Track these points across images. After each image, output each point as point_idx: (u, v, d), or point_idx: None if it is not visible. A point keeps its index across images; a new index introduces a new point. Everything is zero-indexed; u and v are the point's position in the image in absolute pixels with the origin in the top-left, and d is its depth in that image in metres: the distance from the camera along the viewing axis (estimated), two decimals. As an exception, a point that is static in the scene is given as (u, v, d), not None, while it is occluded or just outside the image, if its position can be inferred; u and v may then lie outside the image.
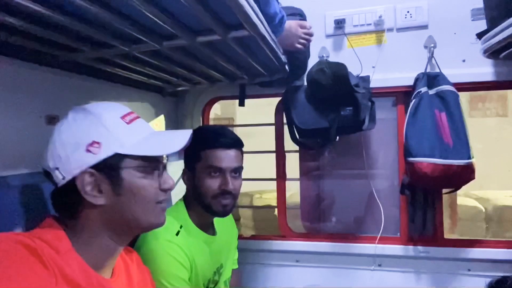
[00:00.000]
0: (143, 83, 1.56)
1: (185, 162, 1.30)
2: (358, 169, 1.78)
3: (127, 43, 1.02)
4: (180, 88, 1.74)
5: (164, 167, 0.84)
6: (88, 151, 0.73)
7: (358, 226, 1.84)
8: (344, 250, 1.74)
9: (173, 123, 1.88)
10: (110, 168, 0.75)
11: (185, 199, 1.31)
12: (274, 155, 1.88)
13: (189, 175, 1.27)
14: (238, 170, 1.25)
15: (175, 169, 1.44)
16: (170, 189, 0.83)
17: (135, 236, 0.86)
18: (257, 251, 1.83)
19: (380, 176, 1.79)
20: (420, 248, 1.65)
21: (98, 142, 0.74)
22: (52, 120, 1.10)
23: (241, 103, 1.74)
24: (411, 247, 1.67)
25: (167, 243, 1.13)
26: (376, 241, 1.68)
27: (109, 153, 0.74)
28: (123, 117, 0.78)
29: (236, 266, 1.55)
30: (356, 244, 1.73)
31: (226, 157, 1.21)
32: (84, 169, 0.73)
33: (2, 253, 0.61)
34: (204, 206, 1.23)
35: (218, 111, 6.86)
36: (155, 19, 0.85)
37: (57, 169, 0.74)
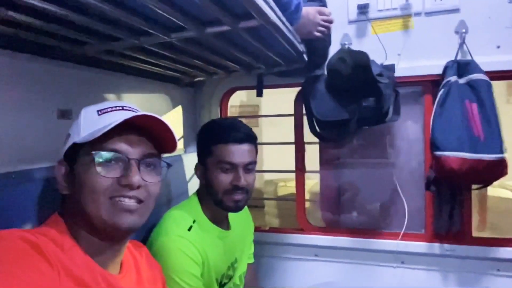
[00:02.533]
0: (160, 75, 1.55)
1: (197, 156, 1.28)
2: (381, 163, 1.71)
3: (136, 36, 1.00)
4: (197, 79, 1.72)
5: (140, 162, 0.75)
6: (64, 143, 0.79)
7: (380, 222, 1.77)
8: (365, 245, 1.68)
9: (190, 114, 1.86)
10: (70, 158, 0.76)
11: (199, 193, 1.29)
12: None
13: (201, 169, 1.25)
14: (251, 165, 1.22)
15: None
16: (129, 185, 0.73)
17: (116, 234, 0.77)
18: (275, 244, 1.80)
19: (404, 170, 1.71)
20: (446, 246, 1.57)
21: (68, 134, 0.78)
22: (64, 114, 1.10)
23: (259, 94, 1.69)
24: (436, 244, 1.58)
25: (179, 238, 1.12)
26: (399, 237, 1.61)
27: (70, 143, 0.76)
28: (100, 110, 0.78)
29: (252, 260, 1.53)
30: (378, 240, 1.66)
31: (238, 152, 1.18)
32: (60, 159, 0.78)
33: (5, 249, 0.60)
34: (216, 201, 1.21)
35: (244, 98, 6.83)
36: (162, 11, 0.82)
37: None
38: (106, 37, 1.00)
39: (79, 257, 0.72)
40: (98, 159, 0.72)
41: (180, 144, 1.78)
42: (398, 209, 1.64)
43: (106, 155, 0.72)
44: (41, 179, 0.97)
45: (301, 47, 1.37)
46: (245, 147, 1.20)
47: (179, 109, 1.78)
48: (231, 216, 1.35)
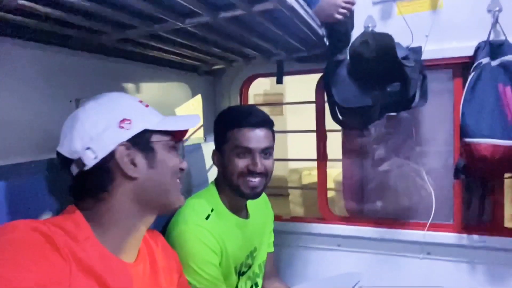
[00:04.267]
0: (178, 63, 1.53)
1: (214, 143, 1.27)
2: (407, 150, 1.64)
3: (150, 23, 0.99)
4: (216, 67, 1.70)
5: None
6: (121, 127, 0.77)
7: (405, 211, 1.71)
8: (389, 236, 1.63)
9: (210, 103, 1.85)
10: (142, 142, 0.80)
11: (216, 181, 1.28)
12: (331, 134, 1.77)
13: (218, 156, 1.24)
14: (267, 150, 1.19)
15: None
16: (184, 169, 0.88)
17: (157, 217, 0.87)
18: (296, 234, 1.78)
19: (432, 157, 1.64)
20: (475, 237, 1.50)
21: (128, 120, 0.78)
22: (83, 104, 1.11)
23: (279, 81, 1.65)
24: (465, 235, 1.51)
25: (197, 227, 1.12)
26: (426, 228, 1.55)
27: (140, 128, 0.79)
28: (140, 102, 0.85)
29: (271, 250, 1.51)
30: (403, 230, 1.61)
31: (253, 137, 1.16)
32: (120, 143, 0.77)
33: (17, 240, 0.61)
34: (233, 188, 1.20)
35: (267, 87, 6.78)
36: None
37: (88, 148, 0.75)
38: (121, 25, 0.99)
39: (93, 247, 0.72)
40: (175, 147, 0.87)
41: (200, 133, 1.77)
42: (425, 198, 1.58)
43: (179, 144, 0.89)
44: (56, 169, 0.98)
45: (322, 31, 1.32)
46: (261, 132, 1.18)
47: (198, 98, 1.77)
48: (250, 204, 1.33)
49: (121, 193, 0.78)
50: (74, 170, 0.77)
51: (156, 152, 0.82)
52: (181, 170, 0.87)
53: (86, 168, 0.75)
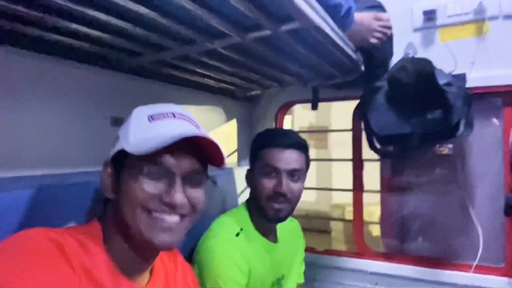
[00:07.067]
0: (214, 88, 1.57)
1: (249, 163, 1.26)
2: (451, 183, 1.52)
3: (181, 44, 1.02)
4: (252, 93, 1.72)
5: (185, 178, 0.71)
6: (113, 145, 0.74)
7: (448, 250, 1.56)
8: (431, 276, 1.49)
9: (245, 128, 1.86)
10: (116, 163, 0.72)
11: (248, 202, 1.26)
12: (368, 164, 1.71)
13: (250, 175, 1.23)
14: (296, 173, 1.16)
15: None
16: (173, 204, 0.69)
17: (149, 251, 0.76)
18: (329, 268, 1.68)
19: (479, 192, 1.50)
20: (532, 284, 1.33)
21: (118, 137, 0.74)
22: (117, 121, 1.16)
23: (314, 107, 1.63)
24: (518, 281, 1.35)
25: (226, 242, 1.10)
26: (472, 270, 1.40)
27: (119, 147, 0.71)
28: (151, 116, 0.73)
29: (302, 281, 1.44)
30: (446, 271, 1.47)
31: (282, 157, 1.14)
32: (107, 161, 0.74)
33: (29, 248, 0.61)
34: (260, 208, 1.17)
35: (312, 120, 6.74)
36: (203, 18, 0.83)
37: None
38: (155, 47, 1.04)
39: (105, 264, 0.70)
40: (144, 171, 0.68)
41: (234, 157, 1.78)
42: (471, 237, 1.43)
43: (152, 168, 0.69)
44: (93, 182, 1.02)
45: (357, 56, 1.30)
46: (291, 153, 1.15)
47: (233, 123, 1.78)
48: (280, 229, 1.29)
49: (108, 215, 0.75)
50: None
51: (122, 177, 0.71)
52: (165, 203, 0.69)
53: None
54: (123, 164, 0.71)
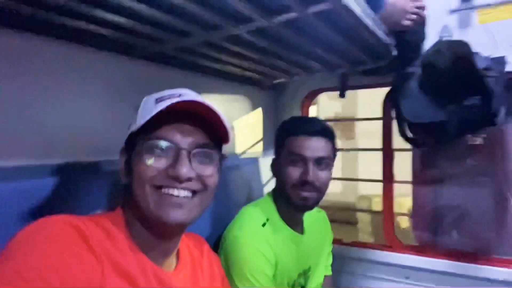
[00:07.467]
0: (240, 76, 1.54)
1: (274, 152, 1.24)
2: (489, 173, 1.44)
3: (205, 30, 0.99)
4: (277, 81, 1.67)
5: (192, 153, 0.71)
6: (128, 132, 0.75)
7: (485, 244, 1.48)
8: (467, 271, 1.42)
9: (271, 117, 1.83)
10: (128, 147, 0.74)
11: (273, 192, 1.24)
12: (400, 154, 1.65)
13: (275, 164, 1.20)
14: (323, 161, 1.12)
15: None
16: (177, 177, 0.68)
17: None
18: (358, 260, 1.64)
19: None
20: None
21: (130, 123, 0.75)
22: (142, 110, 1.15)
23: (342, 95, 1.57)
24: None
25: (253, 233, 1.08)
26: (512, 265, 1.32)
27: (129, 132, 0.73)
28: (158, 98, 0.72)
29: (329, 273, 1.41)
30: (484, 266, 1.39)
31: (308, 145, 1.11)
32: (122, 148, 0.76)
33: (50, 233, 0.60)
34: (286, 197, 1.14)
35: (338, 109, 6.62)
36: (228, 1, 0.80)
37: None
38: (177, 33, 1.01)
39: (130, 250, 0.69)
40: (147, 147, 0.69)
41: (259, 147, 1.75)
42: (510, 230, 1.35)
43: (155, 143, 0.69)
44: (118, 171, 1.02)
45: (388, 40, 1.23)
46: (317, 141, 1.12)
47: (259, 111, 1.75)
48: (307, 220, 1.26)
49: (128, 200, 0.75)
50: None
51: (133, 159, 0.71)
52: (171, 177, 0.68)
53: None
54: (133, 147, 0.72)
